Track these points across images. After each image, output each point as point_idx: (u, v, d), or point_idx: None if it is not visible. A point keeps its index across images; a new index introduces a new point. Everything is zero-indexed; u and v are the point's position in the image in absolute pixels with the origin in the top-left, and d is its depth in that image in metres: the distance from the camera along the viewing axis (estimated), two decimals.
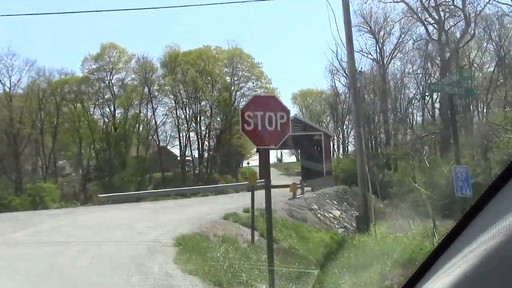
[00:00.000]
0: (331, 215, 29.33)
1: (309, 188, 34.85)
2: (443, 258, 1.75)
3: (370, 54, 66.27)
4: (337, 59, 72.82)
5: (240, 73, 69.92)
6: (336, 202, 32.18)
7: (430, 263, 1.89)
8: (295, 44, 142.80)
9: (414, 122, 56.62)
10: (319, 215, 28.11)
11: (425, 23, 47.62)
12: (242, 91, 70.58)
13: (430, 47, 48.92)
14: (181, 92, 69.24)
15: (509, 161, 1.39)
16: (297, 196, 30.48)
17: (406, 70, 55.63)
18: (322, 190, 35.15)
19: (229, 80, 70.69)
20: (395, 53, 65.67)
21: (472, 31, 44.52)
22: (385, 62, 66.37)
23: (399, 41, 63.24)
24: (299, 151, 78.55)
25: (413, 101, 54.53)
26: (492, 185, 1.44)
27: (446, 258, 1.69)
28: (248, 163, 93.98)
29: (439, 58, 47.16)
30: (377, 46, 66.95)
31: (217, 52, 70.29)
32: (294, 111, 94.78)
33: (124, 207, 27.76)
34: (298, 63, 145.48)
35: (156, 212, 22.92)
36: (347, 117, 78.66)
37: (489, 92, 45.98)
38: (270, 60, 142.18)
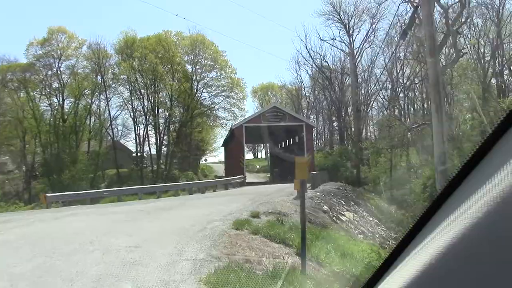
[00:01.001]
0: (345, 217, 23.06)
1: (309, 185, 28.20)
2: (399, 259, 1.74)
3: (343, 42, 60.57)
4: (306, 48, 67.21)
5: (203, 62, 62.79)
6: (343, 202, 25.85)
7: (392, 260, 1.84)
8: (261, 34, 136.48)
9: (404, 112, 50.80)
10: (334, 218, 21.73)
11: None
12: (205, 81, 63.49)
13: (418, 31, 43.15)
14: (138, 81, 61.30)
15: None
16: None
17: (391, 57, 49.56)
18: (323, 187, 28.69)
19: (190, 69, 63.38)
20: (368, 41, 60.55)
21: (466, 14, 39.00)
22: (360, 51, 60.93)
23: (373, 27, 58.28)
24: (267, 145, 72.12)
25: (399, 89, 48.63)
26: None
27: (402, 258, 1.70)
28: (206, 160, 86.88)
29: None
30: (348, 36, 61.66)
31: (179, 38, 62.72)
32: (254, 105, 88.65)
33: (82, 211, 20.40)
34: (262, 55, 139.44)
35: (133, 219, 15.71)
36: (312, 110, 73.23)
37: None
38: (235, 50, 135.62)
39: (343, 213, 23.42)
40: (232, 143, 45.42)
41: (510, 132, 1.16)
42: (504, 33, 39.96)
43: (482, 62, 42.38)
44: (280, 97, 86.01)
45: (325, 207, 22.57)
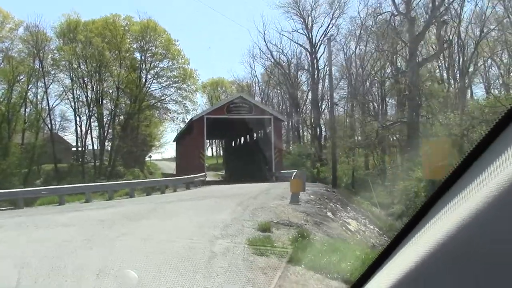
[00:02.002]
0: (350, 226, 18.29)
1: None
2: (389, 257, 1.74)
3: (305, 35, 56.25)
4: (264, 41, 62.55)
5: (154, 50, 56.57)
6: (340, 207, 21.17)
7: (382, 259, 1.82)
8: (216, 25, 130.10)
9: (378, 108, 46.68)
10: (344, 228, 17.00)
11: None
12: (155, 71, 57.27)
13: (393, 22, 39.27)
14: (82, 68, 54.30)
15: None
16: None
17: (368, 49, 45.51)
18: (310, 188, 23.85)
19: (140, 57, 57.06)
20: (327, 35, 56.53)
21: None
22: (318, 46, 56.82)
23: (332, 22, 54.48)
24: (223, 141, 66.55)
25: (375, 85, 44.59)
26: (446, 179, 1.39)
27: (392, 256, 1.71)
28: (150, 157, 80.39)
29: (407, 35, 37.66)
30: (307, 30, 57.46)
31: (128, 23, 56.24)
32: (202, 101, 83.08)
33: (11, 220, 14.54)
34: (215, 47, 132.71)
35: (94, 239, 10.20)
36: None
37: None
38: (185, 41, 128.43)
39: (347, 220, 18.72)
40: (189, 137, 39.92)
41: (503, 136, 1.15)
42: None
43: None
44: (230, 93, 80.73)
45: (329, 214, 17.85)
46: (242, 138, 49.99)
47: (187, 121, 54.50)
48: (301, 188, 18.38)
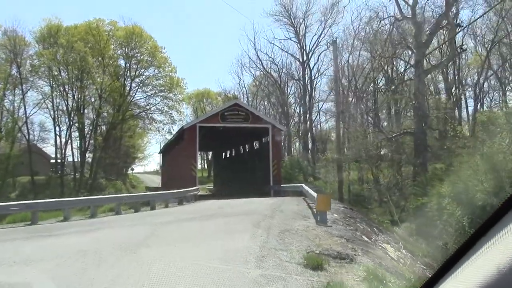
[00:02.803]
0: (389, 253, 14.83)
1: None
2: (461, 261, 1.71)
3: (298, 44, 53.19)
4: (255, 49, 59.30)
5: (139, 57, 52.66)
6: (368, 228, 17.62)
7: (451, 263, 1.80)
8: (205, 34, 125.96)
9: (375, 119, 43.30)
10: (387, 255, 13.54)
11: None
12: (140, 79, 53.32)
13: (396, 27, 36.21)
14: (62, 75, 50.07)
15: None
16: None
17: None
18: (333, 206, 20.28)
19: (124, 64, 53.10)
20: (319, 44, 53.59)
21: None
22: (309, 56, 53.78)
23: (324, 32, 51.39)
24: (213, 152, 62.49)
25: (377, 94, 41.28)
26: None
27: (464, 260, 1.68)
28: (132, 169, 76.14)
29: (410, 41, 34.63)
30: (298, 39, 54.45)
31: (112, 29, 52.30)
32: (188, 112, 79.18)
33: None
34: (203, 57, 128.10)
35: (87, 283, 6.39)
36: None
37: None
38: (174, 50, 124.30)
39: (383, 245, 15.19)
40: (179, 147, 36.13)
41: None
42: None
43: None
44: (216, 104, 77.03)
45: (364, 238, 14.30)
46: (237, 149, 46.30)
47: (173, 132, 50.68)
48: (329, 206, 14.80)
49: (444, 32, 35.29)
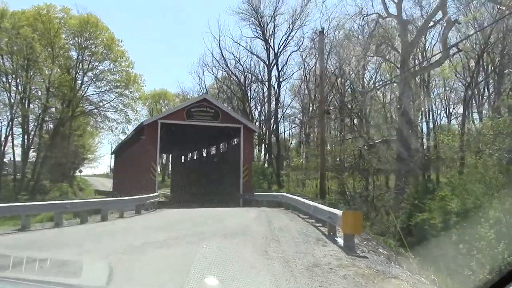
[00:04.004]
0: None
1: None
2: None
3: (266, 45, 48.92)
4: (219, 47, 54.43)
5: (94, 48, 46.85)
6: (387, 252, 13.24)
7: None
8: (164, 30, 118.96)
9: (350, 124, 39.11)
10: None
11: None
12: (93, 72, 47.45)
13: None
14: (5, 64, 43.69)
15: None
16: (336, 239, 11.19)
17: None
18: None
19: (76, 56, 47.15)
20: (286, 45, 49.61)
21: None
22: (276, 57, 49.61)
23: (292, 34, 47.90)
24: (172, 153, 56.64)
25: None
26: None
27: None
28: (80, 171, 69.22)
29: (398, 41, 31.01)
30: (264, 40, 50.23)
31: (65, 16, 46.25)
32: (143, 113, 73.24)
33: None
34: (161, 54, 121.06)
35: None
36: None
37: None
38: (133, 46, 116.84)
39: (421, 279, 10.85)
40: (137, 147, 30.95)
41: None
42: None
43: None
44: (173, 106, 71.59)
45: (408, 272, 9.91)
46: (202, 151, 41.25)
47: (127, 132, 45.13)
48: (360, 227, 10.36)
49: (435, 30, 31.93)
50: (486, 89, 36.18)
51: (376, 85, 36.61)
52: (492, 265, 14.24)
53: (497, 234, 14.74)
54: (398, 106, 29.72)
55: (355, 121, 33.78)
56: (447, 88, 44.54)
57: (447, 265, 17.07)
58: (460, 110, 45.80)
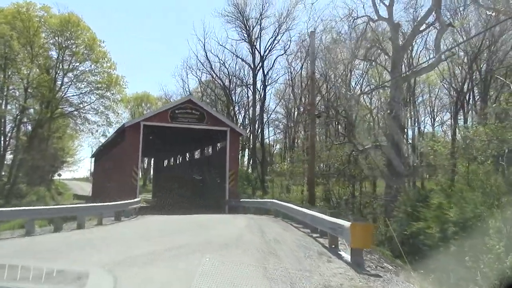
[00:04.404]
0: None
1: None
2: None
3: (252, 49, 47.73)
4: (204, 50, 52.90)
5: (74, 48, 45.03)
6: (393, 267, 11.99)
7: None
8: (148, 32, 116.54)
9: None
10: None
11: None
12: (74, 73, 45.62)
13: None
14: None
15: None
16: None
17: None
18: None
19: (56, 55, 45.27)
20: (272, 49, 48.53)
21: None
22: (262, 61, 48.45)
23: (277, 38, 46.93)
24: (155, 157, 54.74)
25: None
26: None
27: None
28: (60, 175, 66.97)
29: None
30: (250, 43, 49.07)
31: (45, 14, 44.33)
32: (125, 117, 71.38)
33: None
34: (145, 56, 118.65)
35: None
36: None
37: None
38: (116, 48, 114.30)
39: None
40: (118, 150, 29.38)
41: None
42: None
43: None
44: (155, 109, 69.77)
45: None
46: (186, 154, 39.58)
47: (108, 134, 43.33)
48: (370, 241, 9.10)
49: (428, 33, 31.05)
50: (471, 96, 35.58)
51: (366, 90, 35.45)
52: (501, 281, 13.15)
53: (507, 247, 13.65)
54: (388, 111, 28.66)
55: (343, 125, 32.59)
56: (432, 95, 44.15)
57: (448, 279, 15.96)
58: (446, 117, 45.48)
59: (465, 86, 33.44)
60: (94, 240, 12.15)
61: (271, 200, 20.88)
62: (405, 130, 30.51)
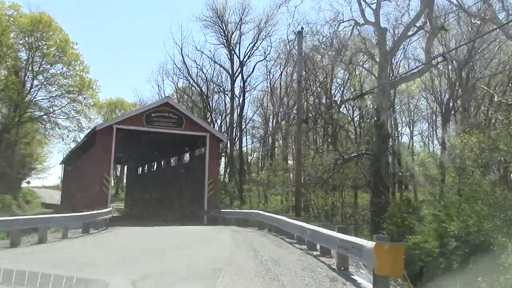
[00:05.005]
0: None
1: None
2: None
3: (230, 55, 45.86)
4: (181, 54, 50.51)
5: (46, 50, 42.27)
6: None
7: None
8: (123, 36, 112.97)
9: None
10: None
11: None
12: (44, 75, 42.75)
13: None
14: None
15: None
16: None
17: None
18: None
19: (26, 57, 42.41)
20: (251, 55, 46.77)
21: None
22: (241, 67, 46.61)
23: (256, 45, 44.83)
24: (125, 167, 52.06)
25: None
26: None
27: None
28: (28, 183, 63.32)
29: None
30: (229, 49, 47.17)
31: (14, 13, 41.51)
32: (98, 122, 68.33)
33: None
34: (120, 61, 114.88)
35: None
36: None
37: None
38: (88, 52, 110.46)
39: None
40: (88, 155, 26.99)
41: None
42: None
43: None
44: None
45: None
46: (162, 161, 37.08)
47: (79, 140, 40.64)
48: (401, 266, 7.18)
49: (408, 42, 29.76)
50: (455, 105, 34.46)
51: (349, 97, 33.87)
52: None
53: None
54: (375, 118, 27.12)
55: (328, 132, 30.90)
56: (411, 105, 43.08)
57: None
58: (424, 127, 44.34)
59: (446, 95, 32.31)
60: (48, 262, 9.83)
61: (255, 211, 18.90)
62: (392, 138, 28.91)
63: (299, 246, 12.16)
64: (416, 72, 26.00)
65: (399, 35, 27.73)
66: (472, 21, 28.02)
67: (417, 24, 26.76)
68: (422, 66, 25.51)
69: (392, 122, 38.20)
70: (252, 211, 19.29)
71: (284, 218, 14.00)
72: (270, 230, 17.02)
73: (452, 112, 31.19)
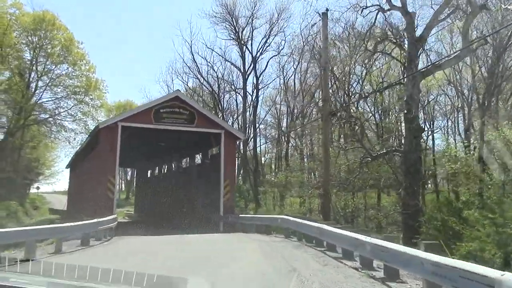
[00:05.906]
0: None
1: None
2: None
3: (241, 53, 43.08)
4: (191, 52, 47.71)
5: (50, 50, 39.85)
6: None
7: None
8: (131, 36, 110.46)
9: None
10: None
11: None
12: (49, 76, 40.27)
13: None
14: None
15: None
16: None
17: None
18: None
19: (30, 57, 40.03)
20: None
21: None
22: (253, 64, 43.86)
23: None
24: (135, 170, 49.40)
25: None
26: None
27: None
28: (38, 188, 60.99)
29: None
30: (239, 46, 44.42)
31: (17, 11, 39.14)
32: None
33: None
34: (128, 62, 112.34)
35: None
36: None
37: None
38: (96, 53, 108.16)
39: None
40: (92, 157, 24.32)
41: None
42: None
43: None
44: None
45: None
46: (173, 162, 34.18)
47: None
48: None
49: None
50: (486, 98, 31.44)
51: (376, 89, 30.86)
52: None
53: None
54: (405, 111, 24.16)
55: (354, 128, 27.98)
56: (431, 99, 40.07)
57: None
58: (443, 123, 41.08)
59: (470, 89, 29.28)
60: None
61: (282, 216, 16.05)
62: (423, 133, 25.94)
63: (349, 263, 9.29)
64: (453, 58, 23.01)
65: (428, 20, 24.69)
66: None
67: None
68: (459, 51, 22.51)
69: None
70: (278, 216, 16.39)
71: (325, 226, 11.13)
72: (300, 239, 14.20)
73: (491, 102, 28.04)
